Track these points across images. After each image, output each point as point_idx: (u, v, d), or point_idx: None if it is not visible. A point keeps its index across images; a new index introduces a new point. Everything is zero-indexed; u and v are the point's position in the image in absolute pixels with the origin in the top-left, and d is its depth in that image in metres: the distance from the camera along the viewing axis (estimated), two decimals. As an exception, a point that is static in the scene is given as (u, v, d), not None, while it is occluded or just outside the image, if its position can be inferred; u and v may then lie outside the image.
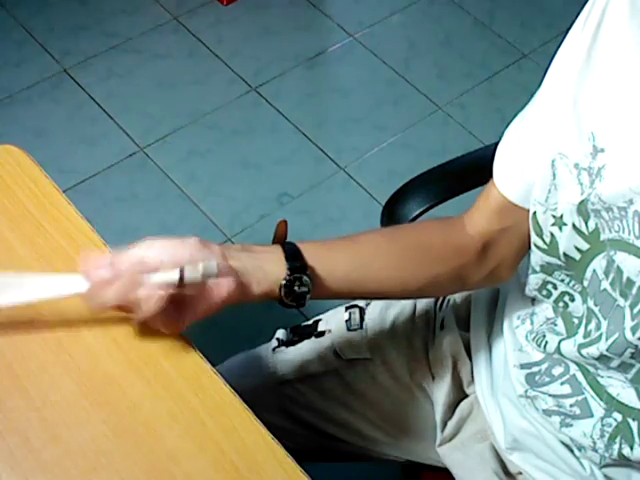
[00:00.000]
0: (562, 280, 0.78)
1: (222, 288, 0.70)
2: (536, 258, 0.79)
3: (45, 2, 2.34)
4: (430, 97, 2.22)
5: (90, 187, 1.95)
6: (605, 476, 0.83)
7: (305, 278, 0.74)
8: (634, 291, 0.67)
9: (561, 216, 0.72)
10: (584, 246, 0.72)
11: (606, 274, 0.71)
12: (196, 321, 0.72)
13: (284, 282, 0.73)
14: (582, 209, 0.70)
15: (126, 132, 2.07)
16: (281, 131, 2.11)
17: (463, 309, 0.99)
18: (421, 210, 1.06)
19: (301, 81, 2.25)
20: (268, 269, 0.74)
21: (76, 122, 2.09)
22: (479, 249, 0.83)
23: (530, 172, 0.75)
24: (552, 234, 0.74)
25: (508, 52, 2.36)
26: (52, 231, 0.85)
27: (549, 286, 0.80)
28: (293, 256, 0.75)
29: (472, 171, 1.13)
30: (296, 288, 0.74)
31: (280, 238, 0.78)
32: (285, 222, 0.79)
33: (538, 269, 0.79)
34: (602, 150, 0.68)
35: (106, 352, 0.76)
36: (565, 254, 0.74)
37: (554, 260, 0.76)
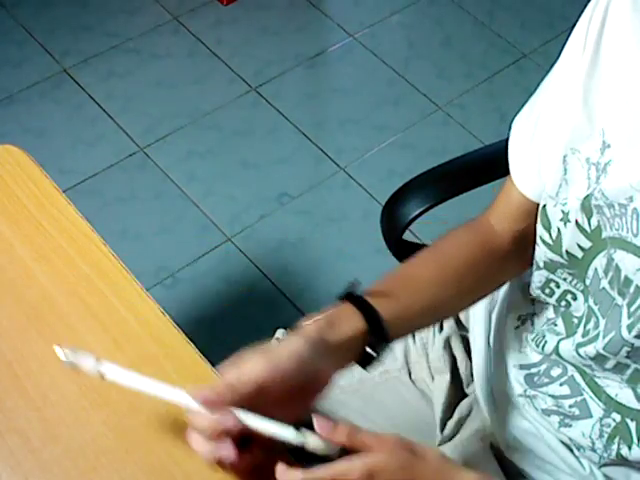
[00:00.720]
0: (564, 279, 0.78)
1: (325, 377, 0.70)
2: (540, 253, 0.79)
3: (45, 2, 2.34)
4: (430, 97, 2.22)
5: (90, 187, 1.95)
6: (604, 475, 0.83)
7: (384, 344, 0.74)
8: (631, 289, 0.68)
9: (568, 212, 0.73)
10: (587, 244, 0.73)
11: (605, 272, 0.71)
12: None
13: (368, 350, 0.73)
14: (586, 205, 0.70)
15: (126, 132, 2.07)
16: (281, 131, 2.11)
17: (463, 309, 0.99)
18: (421, 210, 1.06)
19: (301, 81, 2.25)
20: (357, 345, 0.73)
21: (76, 122, 2.09)
22: (513, 247, 0.84)
23: (546, 169, 0.76)
24: (559, 229, 0.75)
25: (508, 52, 2.36)
26: (52, 231, 0.86)
27: (552, 284, 0.80)
28: (376, 327, 0.73)
29: (472, 171, 1.13)
30: (378, 354, 0.75)
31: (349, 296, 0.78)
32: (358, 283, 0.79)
33: (542, 265, 0.80)
34: (609, 146, 0.68)
35: (106, 352, 0.76)
36: (567, 252, 0.75)
37: (557, 257, 0.76)
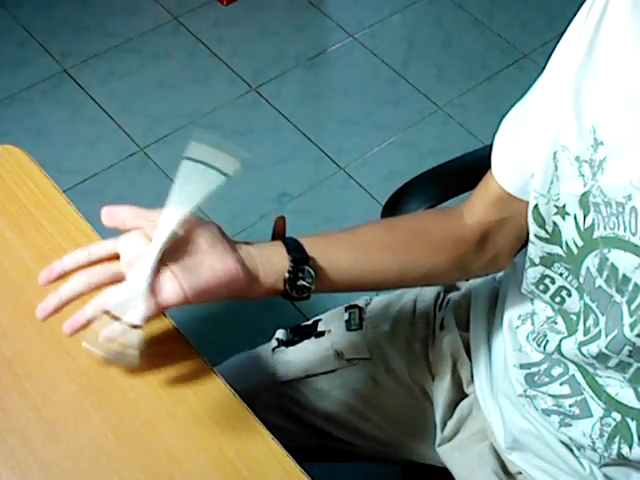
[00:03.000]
0: (560, 274, 0.78)
1: (228, 263, 0.70)
2: (536, 250, 0.79)
3: (45, 2, 2.34)
4: (430, 97, 2.22)
5: (90, 187, 1.95)
6: (604, 475, 0.83)
7: (308, 269, 0.74)
8: (630, 287, 0.68)
9: (564, 206, 0.73)
10: (579, 242, 0.73)
11: (599, 271, 0.71)
12: (199, 291, 0.68)
13: (288, 275, 0.74)
14: (584, 201, 0.70)
15: (126, 132, 2.07)
16: (281, 131, 2.11)
17: (463, 309, 0.99)
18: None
19: (301, 81, 2.25)
20: (273, 260, 0.74)
21: (76, 122, 2.09)
22: (477, 239, 0.83)
23: (528, 164, 0.76)
24: (555, 222, 0.75)
25: (508, 52, 2.36)
26: (52, 231, 0.86)
27: (547, 280, 0.80)
28: (295, 249, 0.75)
29: (472, 171, 1.12)
30: (300, 281, 0.74)
31: (279, 234, 0.78)
32: (283, 218, 0.79)
33: (537, 261, 0.80)
34: (602, 143, 0.68)
35: (106, 352, 0.76)
36: (567, 244, 0.75)
37: (556, 249, 0.76)
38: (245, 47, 2.30)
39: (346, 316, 1.00)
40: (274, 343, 1.01)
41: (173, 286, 0.67)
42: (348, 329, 0.99)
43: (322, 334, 0.99)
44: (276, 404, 0.98)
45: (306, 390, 0.98)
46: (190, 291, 0.67)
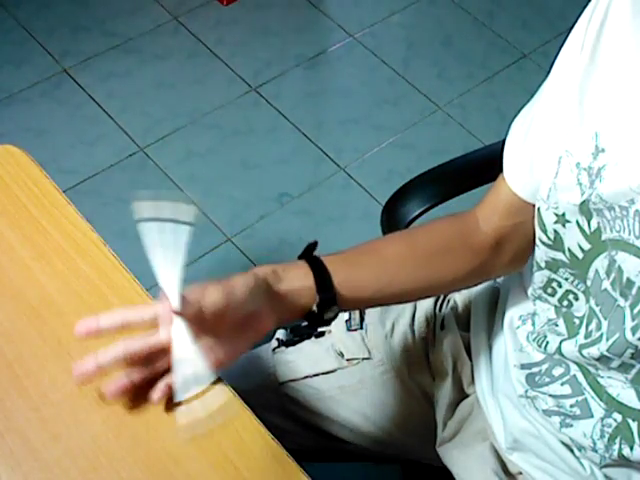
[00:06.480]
0: (566, 278, 0.78)
1: (268, 321, 0.74)
2: (541, 254, 0.79)
3: (45, 2, 2.34)
4: (430, 97, 2.22)
5: (90, 187, 1.95)
6: (605, 476, 0.83)
7: (334, 307, 0.76)
8: (634, 291, 0.67)
9: (563, 214, 0.73)
10: (586, 246, 0.73)
11: (607, 274, 0.71)
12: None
13: (314, 309, 0.76)
14: (584, 209, 0.70)
15: (126, 132, 2.07)
16: (281, 131, 2.11)
17: (463, 309, 0.99)
18: (421, 210, 1.06)
19: (301, 81, 2.25)
20: (302, 301, 0.76)
21: (76, 122, 2.09)
22: (494, 245, 0.83)
23: (539, 169, 0.76)
24: (555, 231, 0.75)
25: (508, 52, 2.36)
26: (52, 231, 0.86)
27: (554, 284, 0.80)
28: (324, 286, 0.76)
29: (472, 171, 1.13)
30: (324, 315, 0.77)
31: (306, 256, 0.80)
32: (316, 243, 0.81)
33: (543, 265, 0.79)
34: (603, 150, 0.68)
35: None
36: (570, 250, 0.75)
37: (559, 255, 0.76)
38: (245, 47, 2.30)
39: (346, 316, 1.00)
40: (274, 343, 1.01)
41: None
42: (348, 329, 0.99)
43: (322, 334, 0.99)
44: (276, 404, 0.98)
45: (306, 390, 0.98)
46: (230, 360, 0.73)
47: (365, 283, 0.79)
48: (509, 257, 0.85)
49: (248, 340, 0.74)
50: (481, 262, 0.84)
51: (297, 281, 0.76)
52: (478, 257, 0.83)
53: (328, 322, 0.78)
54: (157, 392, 0.72)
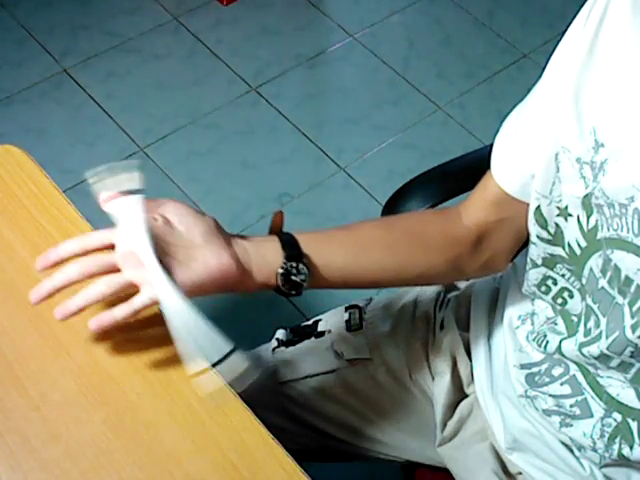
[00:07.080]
0: (563, 275, 0.78)
1: (222, 259, 0.70)
2: (538, 251, 0.79)
3: (45, 2, 2.34)
4: (430, 97, 2.22)
5: (90, 187, 1.94)
6: (605, 476, 0.83)
7: (302, 266, 0.75)
8: (632, 289, 0.67)
9: (566, 207, 0.73)
10: (583, 243, 0.73)
11: (603, 272, 0.71)
12: (191, 286, 0.69)
13: (281, 270, 0.74)
14: (587, 202, 0.70)
15: (126, 132, 2.07)
16: (281, 131, 2.11)
17: (463, 309, 0.99)
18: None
19: (301, 81, 2.25)
20: (267, 256, 0.74)
21: (76, 122, 2.09)
22: (474, 240, 0.83)
23: (529, 165, 0.76)
24: (557, 224, 0.75)
25: (508, 52, 2.36)
26: (52, 231, 0.85)
27: (549, 281, 0.80)
28: (290, 245, 0.75)
29: (472, 171, 1.12)
30: (293, 276, 0.75)
31: (276, 229, 0.78)
32: (281, 213, 0.80)
33: (540, 262, 0.79)
34: (602, 145, 0.68)
35: (106, 352, 0.76)
36: (569, 245, 0.75)
37: (558, 250, 0.76)
38: (245, 47, 2.30)
39: (346, 316, 1.00)
40: (274, 343, 1.01)
41: None
42: (348, 329, 0.99)
43: (322, 334, 1.00)
44: (276, 404, 0.98)
45: (306, 390, 0.98)
46: (182, 286, 0.68)
47: (333, 257, 0.78)
48: (486, 256, 0.84)
49: (206, 268, 0.70)
50: (456, 255, 0.83)
51: (263, 240, 0.75)
52: (454, 249, 0.83)
53: (297, 287, 0.75)
54: (95, 320, 0.70)
